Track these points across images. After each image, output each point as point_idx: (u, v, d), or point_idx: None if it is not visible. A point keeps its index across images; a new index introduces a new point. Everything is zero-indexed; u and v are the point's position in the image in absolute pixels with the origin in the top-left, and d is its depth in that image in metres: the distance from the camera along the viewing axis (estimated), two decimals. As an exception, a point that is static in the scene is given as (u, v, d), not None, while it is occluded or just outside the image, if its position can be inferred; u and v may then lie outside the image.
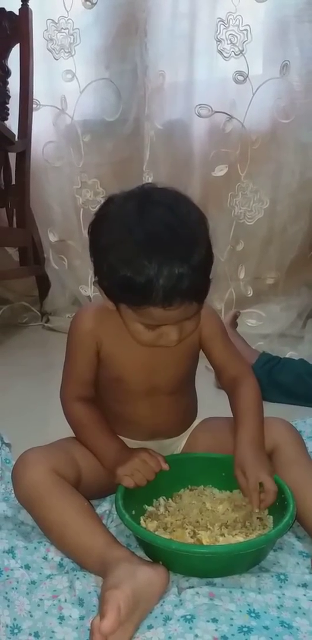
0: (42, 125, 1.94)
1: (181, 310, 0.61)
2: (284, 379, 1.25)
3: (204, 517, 0.70)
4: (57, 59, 1.88)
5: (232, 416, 0.82)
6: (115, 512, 0.69)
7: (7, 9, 1.88)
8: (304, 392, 1.23)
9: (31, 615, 0.57)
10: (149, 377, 0.75)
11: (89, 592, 0.59)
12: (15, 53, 1.89)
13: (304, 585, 0.60)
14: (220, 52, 1.71)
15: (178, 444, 0.83)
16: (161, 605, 0.57)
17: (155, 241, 0.59)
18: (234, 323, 1.43)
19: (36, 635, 0.55)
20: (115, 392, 0.77)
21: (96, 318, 0.74)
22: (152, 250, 0.59)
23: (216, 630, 0.53)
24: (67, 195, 1.98)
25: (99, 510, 0.75)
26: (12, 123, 1.89)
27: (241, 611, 0.55)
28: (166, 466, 0.71)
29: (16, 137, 1.83)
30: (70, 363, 0.78)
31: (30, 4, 1.87)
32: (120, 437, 0.76)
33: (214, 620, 0.54)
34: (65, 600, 0.58)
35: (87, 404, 0.77)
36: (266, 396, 1.25)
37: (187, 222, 0.61)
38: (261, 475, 0.68)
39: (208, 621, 0.54)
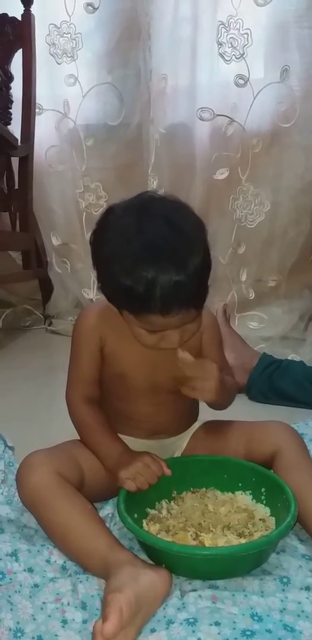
0: (44, 129, 1.94)
1: (179, 317, 0.64)
2: (284, 385, 1.24)
3: (207, 520, 0.70)
4: (59, 64, 1.88)
5: (234, 419, 0.82)
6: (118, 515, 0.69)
7: (10, 14, 1.89)
8: (306, 400, 1.22)
9: (34, 619, 0.57)
10: (151, 374, 0.76)
11: (92, 596, 0.60)
12: (17, 58, 1.90)
13: (307, 588, 0.60)
14: (221, 55, 1.71)
15: (179, 444, 0.83)
16: (164, 608, 0.57)
17: (152, 252, 0.61)
18: (226, 319, 1.39)
19: (39, 638, 0.55)
20: (118, 388, 0.78)
21: (100, 315, 0.76)
22: (149, 261, 0.61)
23: (219, 633, 0.53)
24: (69, 199, 1.98)
25: (101, 513, 0.75)
26: (15, 127, 1.89)
27: (243, 614, 0.55)
28: (168, 471, 0.72)
29: (19, 142, 1.83)
30: (75, 362, 0.78)
31: (33, 9, 1.87)
32: (121, 435, 0.76)
33: (217, 624, 0.54)
34: (68, 604, 0.58)
35: (92, 405, 0.78)
36: (267, 401, 1.26)
37: (184, 232, 0.63)
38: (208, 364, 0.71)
39: (211, 624, 0.54)
